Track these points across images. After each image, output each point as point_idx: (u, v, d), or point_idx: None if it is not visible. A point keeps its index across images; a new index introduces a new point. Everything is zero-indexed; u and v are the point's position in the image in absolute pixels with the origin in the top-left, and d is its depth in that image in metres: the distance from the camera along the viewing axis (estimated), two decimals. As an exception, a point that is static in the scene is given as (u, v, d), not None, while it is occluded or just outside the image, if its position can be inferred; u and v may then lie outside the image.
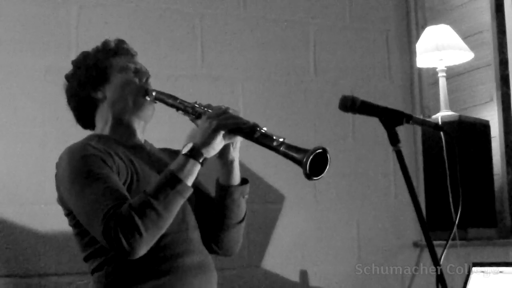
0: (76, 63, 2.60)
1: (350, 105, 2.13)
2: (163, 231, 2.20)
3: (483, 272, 3.01)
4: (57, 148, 3.35)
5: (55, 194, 3.27)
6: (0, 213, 3.35)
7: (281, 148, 2.20)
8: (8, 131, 3.42)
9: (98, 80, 2.50)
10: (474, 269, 3.07)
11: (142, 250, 2.16)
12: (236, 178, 2.45)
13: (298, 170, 3.64)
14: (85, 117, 2.59)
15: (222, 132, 2.26)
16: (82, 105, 2.56)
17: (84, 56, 2.59)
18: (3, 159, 3.40)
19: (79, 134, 3.02)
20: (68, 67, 3.09)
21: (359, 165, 4.12)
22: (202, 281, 2.38)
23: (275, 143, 2.21)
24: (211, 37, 3.88)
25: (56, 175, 2.40)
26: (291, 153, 2.18)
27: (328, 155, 2.18)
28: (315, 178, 2.17)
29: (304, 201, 3.97)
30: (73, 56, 3.39)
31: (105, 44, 2.59)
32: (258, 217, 3.76)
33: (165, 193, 2.17)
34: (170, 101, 2.46)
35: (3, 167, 3.39)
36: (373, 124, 2.19)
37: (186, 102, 2.44)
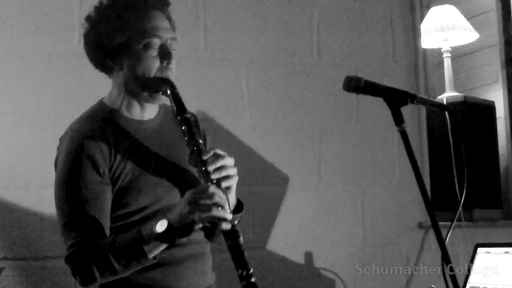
0: (99, 15, 2.37)
1: (354, 85, 2.12)
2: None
3: (488, 253, 3.01)
4: (61, 130, 3.36)
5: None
6: (4, 196, 3.36)
7: (243, 282, 2.10)
8: (12, 115, 3.42)
9: (118, 48, 2.32)
10: (479, 250, 3.06)
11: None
12: (231, 206, 2.28)
13: (302, 151, 3.66)
14: (100, 69, 2.44)
15: (199, 225, 2.15)
16: (98, 64, 2.42)
17: (110, 9, 2.35)
18: (7, 142, 3.40)
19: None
20: (70, 51, 3.09)
21: (363, 147, 4.11)
22: (197, 270, 2.39)
23: (239, 271, 2.10)
24: (214, 20, 3.87)
25: (55, 159, 2.40)
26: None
27: None
28: None
29: (309, 183, 3.96)
30: (76, 39, 3.41)
31: None
32: (262, 199, 3.75)
33: (127, 260, 2.18)
34: (177, 110, 2.26)
35: (7, 150, 3.39)
36: (377, 106, 2.19)
37: (191, 132, 2.23)
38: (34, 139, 3.43)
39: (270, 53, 3.98)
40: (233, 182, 2.24)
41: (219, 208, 2.11)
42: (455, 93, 3.97)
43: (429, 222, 4.03)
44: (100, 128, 2.32)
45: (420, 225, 4.16)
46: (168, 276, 2.32)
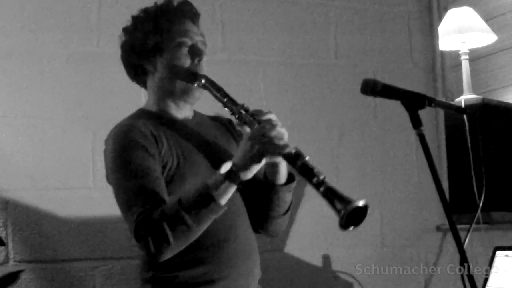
0: (135, 22, 2.51)
1: (372, 88, 2.11)
2: (191, 241, 2.22)
3: (507, 256, 3.00)
4: (80, 133, 3.38)
5: (78, 179, 3.29)
6: (24, 199, 3.38)
7: (320, 189, 2.15)
8: (31, 117, 3.44)
9: (152, 50, 2.44)
10: (498, 253, 3.05)
11: (168, 256, 2.21)
12: (282, 178, 2.40)
13: (320, 153, 3.64)
14: (135, 78, 2.54)
15: (263, 159, 2.21)
16: (134, 69, 2.51)
17: (146, 15, 2.50)
18: (26, 144, 3.42)
19: (102, 119, 3.04)
20: (89, 53, 3.11)
21: (382, 149, 4.10)
22: (246, 267, 2.38)
23: (314, 180, 2.15)
24: (232, 21, 3.87)
25: (104, 151, 2.40)
26: (330, 197, 2.14)
27: (367, 209, 2.16)
28: (348, 228, 2.15)
29: (327, 185, 3.96)
30: (95, 42, 3.43)
31: (168, 5, 2.49)
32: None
33: (197, 209, 2.17)
34: (218, 94, 2.38)
35: (25, 153, 3.41)
36: (395, 108, 2.18)
37: (233, 103, 2.35)
38: (53, 141, 3.44)
39: (288, 54, 3.98)
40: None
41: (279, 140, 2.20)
42: (473, 96, 3.96)
43: (447, 225, 4.04)
44: (143, 124, 2.37)
45: (438, 228, 4.14)
46: (222, 270, 2.32)
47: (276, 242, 3.78)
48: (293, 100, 3.90)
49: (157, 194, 2.23)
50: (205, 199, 2.18)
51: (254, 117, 2.29)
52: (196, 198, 2.18)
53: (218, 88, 2.40)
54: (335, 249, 3.93)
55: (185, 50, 2.44)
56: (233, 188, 2.21)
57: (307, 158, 2.19)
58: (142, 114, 2.48)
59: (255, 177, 2.42)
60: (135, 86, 2.60)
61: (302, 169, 2.17)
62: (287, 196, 2.45)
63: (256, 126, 2.26)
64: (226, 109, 2.38)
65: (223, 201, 2.20)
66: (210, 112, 2.63)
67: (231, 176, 2.19)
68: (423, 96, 2.04)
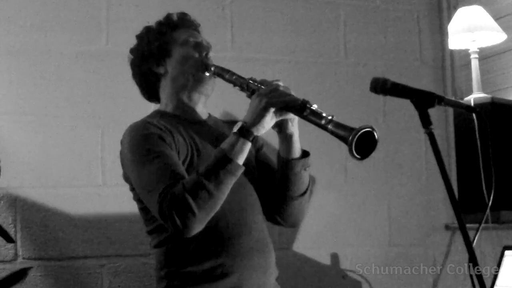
0: (140, 38, 2.63)
1: (381, 87, 2.10)
2: (216, 209, 2.22)
3: (516, 255, 2.99)
4: (89, 131, 3.39)
5: (87, 177, 3.31)
6: (32, 196, 3.39)
7: (329, 126, 2.18)
8: (40, 114, 3.45)
9: (160, 54, 2.54)
10: (506, 252, 3.04)
11: (196, 229, 2.20)
12: (296, 152, 2.43)
13: (329, 151, 3.64)
14: (148, 90, 2.62)
15: (272, 110, 2.25)
16: (146, 79, 2.59)
17: (147, 30, 2.62)
18: (35, 142, 3.43)
19: (111, 117, 3.06)
20: (98, 51, 3.12)
21: (391, 147, 4.09)
22: (260, 261, 2.38)
23: (323, 121, 2.20)
24: (241, 19, 3.87)
25: (120, 152, 2.44)
26: (338, 131, 2.16)
27: (376, 134, 2.16)
28: (359, 157, 2.14)
29: (335, 184, 3.96)
30: (104, 40, 3.44)
31: (168, 17, 2.61)
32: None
33: (216, 173, 2.19)
34: (227, 76, 2.48)
35: (35, 150, 3.42)
36: (405, 106, 2.17)
37: (242, 78, 2.45)
38: (62, 139, 3.45)
39: (297, 53, 3.98)
40: None
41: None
42: (482, 94, 3.94)
43: (456, 224, 4.02)
44: (157, 121, 2.42)
45: (447, 227, 4.14)
46: (234, 264, 2.32)
47: (284, 240, 3.78)
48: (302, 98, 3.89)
49: (177, 173, 2.25)
50: (222, 161, 2.20)
51: (262, 84, 2.37)
52: (213, 163, 2.21)
53: (227, 71, 2.49)
54: (344, 248, 3.93)
55: (191, 47, 2.53)
56: (247, 146, 2.25)
57: (314, 106, 2.25)
58: (156, 114, 2.53)
59: (269, 164, 2.53)
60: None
61: (311, 115, 2.23)
62: (303, 174, 2.46)
63: None
64: (236, 87, 2.45)
65: (240, 160, 2.23)
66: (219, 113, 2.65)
67: (243, 132, 2.24)
68: (433, 95, 2.02)
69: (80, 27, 3.55)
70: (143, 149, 2.31)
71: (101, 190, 3.42)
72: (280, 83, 2.32)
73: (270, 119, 2.27)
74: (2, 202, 3.35)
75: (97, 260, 3.44)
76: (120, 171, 2.44)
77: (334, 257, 3.90)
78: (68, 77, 3.51)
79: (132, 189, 2.43)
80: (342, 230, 3.95)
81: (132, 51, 2.63)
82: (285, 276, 3.77)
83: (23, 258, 3.35)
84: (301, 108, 2.25)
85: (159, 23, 2.61)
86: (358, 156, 2.14)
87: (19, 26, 3.47)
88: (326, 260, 3.89)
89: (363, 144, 2.14)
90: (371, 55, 4.11)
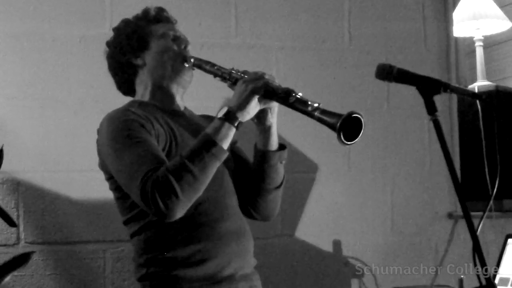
0: (117, 30, 2.64)
1: (387, 73, 2.10)
2: (199, 193, 2.23)
3: (518, 244, 2.99)
4: (92, 116, 3.38)
5: (90, 161, 3.30)
6: (35, 180, 3.39)
7: (316, 113, 2.19)
8: (42, 100, 3.44)
9: (138, 46, 2.55)
10: (509, 240, 3.05)
11: (179, 212, 2.19)
12: (274, 144, 2.46)
13: (332, 139, 3.62)
14: (125, 83, 2.63)
15: (257, 96, 2.27)
16: (123, 71, 2.60)
17: (125, 23, 2.63)
18: (38, 126, 3.42)
19: (113, 101, 3.04)
20: (102, 36, 3.09)
21: (394, 135, 4.08)
22: (239, 247, 2.40)
23: (309, 108, 2.21)
24: (245, 5, 3.85)
25: (97, 140, 2.45)
26: (325, 118, 2.17)
27: (362, 120, 2.15)
28: (348, 143, 2.15)
29: (338, 171, 3.95)
30: (107, 25, 3.43)
31: (146, 11, 2.63)
32: (291, 187, 3.74)
33: (200, 156, 2.19)
34: (207, 67, 2.50)
35: (38, 134, 3.41)
36: (409, 93, 2.17)
37: (223, 68, 2.46)
38: (65, 123, 3.45)
39: (301, 39, 3.96)
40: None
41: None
42: (486, 82, 3.94)
43: (459, 212, 4.03)
44: (136, 109, 2.42)
45: (450, 215, 4.13)
46: (213, 249, 2.33)
47: (287, 226, 3.77)
48: (306, 85, 3.88)
49: (159, 157, 2.25)
50: (206, 144, 2.21)
51: (245, 74, 2.39)
52: (198, 146, 2.22)
53: (206, 62, 2.51)
54: (346, 235, 3.92)
55: (169, 40, 2.56)
56: (232, 131, 2.26)
57: (299, 94, 2.27)
58: (134, 103, 2.53)
59: (244, 158, 2.56)
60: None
61: (296, 102, 2.25)
62: (279, 167, 2.49)
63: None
64: (217, 78, 2.47)
65: (225, 144, 2.24)
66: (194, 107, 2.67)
67: (229, 117, 2.25)
68: (439, 82, 2.02)
69: (83, 12, 3.53)
70: (124, 135, 2.31)
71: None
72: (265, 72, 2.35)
73: (255, 105, 2.28)
74: (4, 186, 3.35)
75: (100, 244, 3.44)
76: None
77: (337, 244, 3.90)
78: (71, 61, 3.50)
79: (109, 178, 2.44)
80: (344, 218, 3.94)
81: (108, 43, 2.65)
82: (287, 262, 3.79)
83: (26, 242, 3.36)
84: (286, 96, 2.26)
85: (137, 17, 2.63)
86: (346, 142, 2.16)
87: (22, 11, 3.45)
88: (328, 247, 3.89)
89: (351, 130, 2.15)
90: (376, 42, 4.09)
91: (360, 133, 2.17)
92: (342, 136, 2.13)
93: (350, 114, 2.14)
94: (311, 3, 4.00)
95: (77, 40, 3.51)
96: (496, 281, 2.97)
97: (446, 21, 4.27)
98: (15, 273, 3.12)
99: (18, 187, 3.37)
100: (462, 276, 3.16)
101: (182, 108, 2.58)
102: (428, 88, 2.01)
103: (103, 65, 3.50)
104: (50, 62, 3.47)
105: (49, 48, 3.47)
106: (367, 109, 4.01)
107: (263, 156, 2.45)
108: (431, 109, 1.99)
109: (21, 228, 3.35)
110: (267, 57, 3.84)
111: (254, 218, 2.57)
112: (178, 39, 2.57)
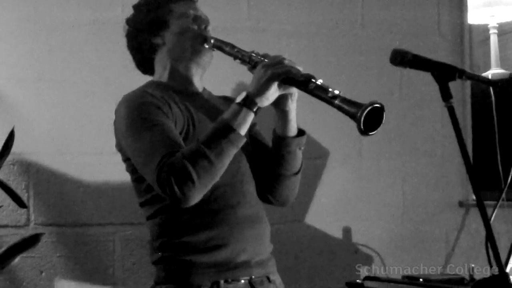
0: (137, 8, 2.59)
1: (401, 58, 2.07)
2: (215, 179, 2.20)
3: (530, 233, 2.97)
4: (103, 99, 3.38)
5: (100, 144, 3.31)
6: (46, 162, 3.39)
7: (336, 101, 2.15)
8: (54, 83, 3.44)
9: (158, 25, 2.50)
10: (521, 230, 3.03)
11: (195, 198, 2.17)
12: (293, 130, 2.42)
13: (344, 125, 3.60)
14: (144, 62, 2.59)
15: (276, 82, 2.22)
16: (141, 50, 2.56)
17: (145, 0, 2.58)
18: (49, 108, 3.43)
19: (125, 84, 3.02)
20: (114, 19, 3.10)
21: (406, 122, 4.06)
22: (254, 233, 2.38)
23: (329, 96, 2.16)
24: (258, -11, 3.84)
25: (114, 122, 2.42)
26: (345, 106, 2.13)
27: (383, 110, 2.12)
28: (368, 133, 2.11)
29: (349, 157, 3.94)
30: (120, 8, 3.41)
31: None
32: (302, 173, 3.73)
33: (217, 142, 2.16)
34: (227, 49, 2.45)
35: (49, 116, 3.42)
36: (421, 81, 2.15)
37: (243, 51, 2.41)
38: (76, 106, 3.45)
39: (313, 24, 3.94)
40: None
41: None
42: (500, 70, 3.91)
43: (470, 201, 4.02)
44: (153, 91, 2.39)
45: (461, 204, 4.12)
46: (228, 235, 2.31)
47: (297, 212, 3.77)
48: (317, 70, 3.83)
49: (176, 141, 2.23)
50: (224, 130, 2.18)
51: (265, 57, 2.34)
52: (215, 132, 2.18)
53: (226, 44, 2.46)
54: (356, 222, 3.92)
55: (190, 20, 2.50)
56: (250, 117, 2.22)
57: (320, 80, 2.22)
58: (151, 84, 2.50)
59: (263, 142, 2.52)
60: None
61: (316, 89, 2.20)
62: (297, 153, 2.46)
63: None
64: (237, 60, 2.42)
65: (242, 130, 2.20)
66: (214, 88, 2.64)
67: (247, 103, 2.21)
68: (454, 68, 1.99)
69: (95, -5, 3.53)
70: (140, 117, 2.28)
71: (114, 157, 3.40)
72: (285, 57, 2.29)
73: (274, 91, 2.24)
74: (15, 167, 3.35)
75: (109, 227, 3.45)
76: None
77: (347, 231, 3.89)
78: (83, 44, 3.50)
79: (125, 160, 2.41)
80: (355, 204, 3.93)
81: (128, 21, 2.59)
82: (297, 248, 3.79)
83: (35, 224, 3.36)
84: (306, 82, 2.22)
85: None
86: (367, 132, 2.10)
87: (35, -7, 3.45)
88: (338, 234, 3.89)
89: (371, 120, 2.10)
90: (389, 28, 4.06)
91: (380, 123, 2.13)
92: (362, 125, 2.08)
93: (371, 104, 2.09)
94: (324, -13, 3.98)
95: (89, 23, 3.50)
96: (507, 270, 2.96)
97: (460, 8, 4.24)
98: (24, 254, 3.14)
99: (28, 168, 3.37)
100: (472, 265, 3.14)
101: (200, 90, 2.54)
102: (444, 74, 1.99)
103: (115, 48, 3.50)
104: (62, 45, 3.46)
105: (61, 31, 3.46)
106: (379, 96, 3.97)
107: (281, 141, 2.41)
108: (446, 95, 1.97)
109: (31, 209, 3.35)
110: (279, 41, 3.82)
111: (271, 203, 2.54)
112: (198, 19, 2.52)
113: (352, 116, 2.09)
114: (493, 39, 3.97)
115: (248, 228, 2.36)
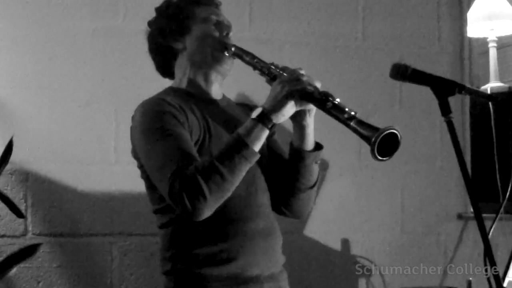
0: (159, 10, 2.55)
1: (401, 73, 2.07)
2: (228, 195, 2.18)
3: (529, 246, 2.97)
4: (102, 108, 3.38)
5: (99, 154, 3.31)
6: (44, 171, 3.39)
7: (351, 123, 2.13)
8: (54, 91, 3.44)
9: (179, 30, 2.46)
10: (520, 243, 3.02)
11: (206, 213, 2.16)
12: (309, 144, 2.40)
13: (343, 137, 3.61)
14: (164, 66, 2.56)
15: (293, 99, 2.20)
16: (162, 54, 2.53)
17: (168, 3, 2.54)
18: (49, 118, 3.42)
19: (125, 95, 3.04)
20: (114, 28, 3.11)
21: (405, 134, 4.00)
22: (267, 245, 2.35)
23: (346, 116, 2.13)
24: (260, 1, 3.84)
25: (131, 128, 2.39)
26: (360, 129, 2.11)
27: (399, 136, 2.10)
28: (381, 158, 2.08)
29: (348, 168, 3.94)
30: (120, 17, 3.42)
31: None
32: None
33: (230, 157, 2.14)
34: (247, 58, 2.41)
35: (49, 126, 3.42)
36: (421, 93, 2.15)
37: (263, 62, 2.38)
38: (76, 115, 3.45)
39: (314, 36, 3.95)
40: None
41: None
42: (499, 84, 3.91)
43: (468, 213, 4.02)
44: (171, 99, 2.36)
45: (459, 216, 4.12)
46: (240, 248, 2.29)
47: (295, 224, 3.76)
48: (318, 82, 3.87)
49: (190, 154, 2.21)
50: (237, 146, 2.16)
51: (283, 71, 2.31)
52: (229, 147, 2.17)
53: (247, 53, 2.42)
54: (355, 233, 3.92)
55: (211, 25, 2.45)
56: (265, 133, 2.20)
57: (337, 99, 2.18)
58: (170, 91, 2.47)
59: (280, 154, 2.48)
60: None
61: (333, 108, 2.16)
62: (314, 167, 2.43)
63: None
64: (256, 71, 2.39)
65: (256, 147, 2.18)
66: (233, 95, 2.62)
67: (262, 119, 2.19)
68: (454, 83, 2.00)
69: (97, 3, 3.53)
70: (156, 126, 2.26)
71: (113, 167, 3.41)
72: (303, 72, 2.27)
73: (290, 108, 2.21)
74: (13, 177, 3.35)
75: (107, 237, 3.44)
76: (133, 149, 2.42)
77: (345, 243, 3.89)
78: (83, 53, 3.50)
79: (141, 166, 2.38)
80: (353, 216, 3.93)
81: (150, 23, 2.56)
82: (295, 260, 3.78)
83: (33, 234, 3.36)
84: (323, 101, 2.19)
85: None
86: (380, 157, 2.08)
87: (35, 2, 3.45)
88: (336, 246, 3.88)
89: (385, 145, 2.08)
90: (389, 40, 4.07)
91: (396, 149, 2.10)
92: (376, 151, 2.06)
93: (387, 129, 2.07)
94: (325, 0, 3.98)
95: (90, 32, 3.51)
96: (505, 284, 2.95)
97: (460, 21, 4.25)
98: (21, 264, 3.13)
99: (27, 178, 3.37)
100: (470, 278, 3.14)
101: (219, 97, 2.51)
102: (443, 89, 1.99)
103: (116, 57, 3.52)
104: (62, 54, 3.47)
105: (61, 40, 3.47)
106: (379, 107, 4.00)
107: (298, 155, 2.39)
108: (445, 110, 1.97)
109: (29, 219, 3.35)
110: (280, 52, 3.82)
111: (286, 215, 2.51)
112: (220, 24, 2.47)
113: (367, 140, 2.07)
114: (492, 53, 3.97)
115: (261, 241, 2.34)
